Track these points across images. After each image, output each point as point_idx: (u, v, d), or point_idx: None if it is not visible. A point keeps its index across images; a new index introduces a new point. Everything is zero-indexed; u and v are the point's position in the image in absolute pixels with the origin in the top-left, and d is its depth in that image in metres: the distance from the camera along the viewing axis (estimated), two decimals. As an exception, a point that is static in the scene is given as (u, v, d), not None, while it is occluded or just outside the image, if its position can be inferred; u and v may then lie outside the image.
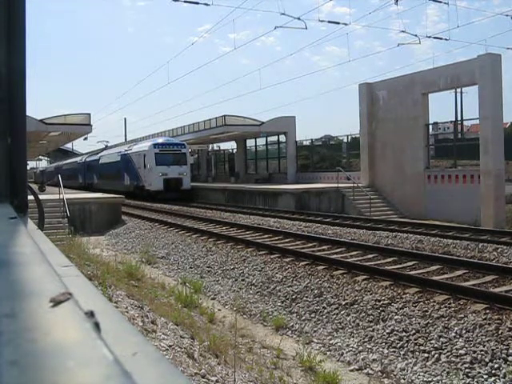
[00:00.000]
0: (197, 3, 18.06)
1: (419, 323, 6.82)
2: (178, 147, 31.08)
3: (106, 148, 46.44)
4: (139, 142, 38.02)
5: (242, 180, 35.26)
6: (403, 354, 6.36)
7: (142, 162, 30.92)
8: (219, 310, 8.54)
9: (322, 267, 9.69)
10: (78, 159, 50.91)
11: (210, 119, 33.24)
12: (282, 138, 32.77)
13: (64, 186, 19.76)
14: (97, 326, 0.63)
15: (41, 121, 25.09)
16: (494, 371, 5.56)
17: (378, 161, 23.92)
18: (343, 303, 8.05)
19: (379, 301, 7.73)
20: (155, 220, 18.95)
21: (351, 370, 6.25)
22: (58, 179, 20.61)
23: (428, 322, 6.79)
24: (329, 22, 20.76)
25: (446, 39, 21.09)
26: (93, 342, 0.57)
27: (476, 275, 8.63)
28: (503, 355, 5.74)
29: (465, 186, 19.60)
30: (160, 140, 32.72)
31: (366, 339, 6.92)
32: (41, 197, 8.71)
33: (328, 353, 6.80)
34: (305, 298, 8.66)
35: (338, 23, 20.27)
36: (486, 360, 5.75)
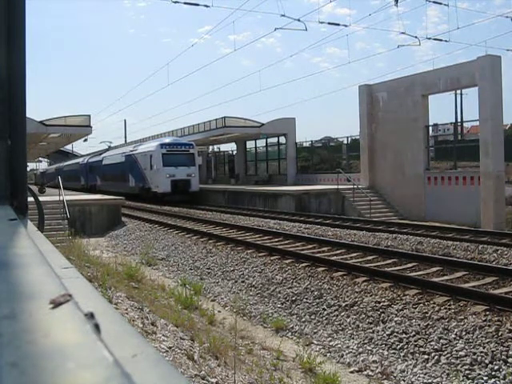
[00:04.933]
0: (197, 5, 18.10)
1: (419, 325, 6.82)
2: (185, 147, 29.92)
3: (109, 149, 45.58)
4: (144, 143, 37.02)
5: (241, 181, 35.27)
6: (403, 356, 6.35)
7: (149, 162, 29.73)
8: (219, 311, 8.54)
9: (322, 269, 9.69)
10: (79, 160, 49.84)
11: (210, 121, 33.24)
12: (282, 139, 32.79)
13: (66, 188, 19.75)
14: (97, 327, 0.63)
15: (41, 122, 25.11)
16: (493, 373, 5.56)
17: (378, 162, 23.93)
18: (343, 305, 8.05)
19: (379, 302, 7.73)
20: (155, 221, 18.95)
21: (351, 372, 6.25)
22: (58, 181, 20.60)
23: (428, 324, 6.79)
24: (329, 23, 20.81)
25: (446, 41, 21.20)
26: (93, 344, 0.57)
27: (476, 277, 8.63)
28: (503, 357, 5.73)
29: (465, 188, 19.59)
30: (167, 140, 31.55)
31: (366, 341, 6.92)
32: (41, 198, 8.71)
33: (328, 354, 6.80)
34: (305, 300, 8.66)
35: (338, 25, 20.31)
36: (486, 362, 5.74)
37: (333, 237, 14.04)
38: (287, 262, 10.56)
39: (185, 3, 17.70)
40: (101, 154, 43.15)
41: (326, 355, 6.77)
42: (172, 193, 28.09)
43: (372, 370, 6.17)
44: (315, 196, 23.17)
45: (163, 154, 28.76)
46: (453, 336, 6.35)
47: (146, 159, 30.14)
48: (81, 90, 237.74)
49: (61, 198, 17.84)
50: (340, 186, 23.22)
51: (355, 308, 7.84)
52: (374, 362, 6.34)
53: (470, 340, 6.18)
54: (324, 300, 8.41)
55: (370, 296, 8.02)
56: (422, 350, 6.34)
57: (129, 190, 31.57)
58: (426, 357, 6.18)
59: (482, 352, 5.90)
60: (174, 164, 28.45)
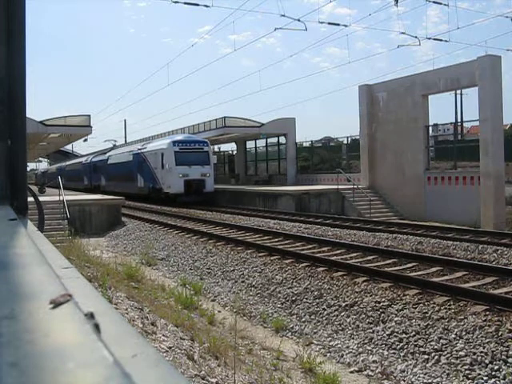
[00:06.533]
0: (197, 5, 18.10)
1: (419, 325, 6.82)
2: (199, 145, 27.83)
3: (114, 147, 44.28)
4: (154, 140, 35.46)
5: (241, 181, 35.28)
6: (403, 356, 6.35)
7: (160, 161, 27.74)
8: (219, 311, 8.54)
9: (322, 269, 9.68)
10: (82, 159, 47.82)
11: (210, 121, 33.23)
12: (282, 139, 32.80)
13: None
14: (97, 327, 0.63)
15: (41, 122, 25.13)
16: (493, 373, 5.56)
17: (378, 162, 23.93)
18: (343, 305, 8.05)
19: (379, 302, 7.73)
20: (155, 221, 18.94)
21: (351, 372, 6.25)
22: (58, 181, 20.59)
23: (428, 324, 6.79)
24: (329, 23, 20.84)
25: (446, 41, 21.16)
26: (93, 344, 0.57)
27: (476, 277, 8.62)
28: (503, 357, 5.73)
29: (465, 188, 19.60)
30: (180, 137, 29.45)
31: (366, 341, 6.91)
32: (41, 198, 8.71)
33: (328, 354, 6.80)
34: (305, 300, 8.66)
35: (338, 25, 20.30)
36: (486, 362, 5.74)
37: (333, 237, 14.03)
38: (287, 261, 10.56)
39: (185, 3, 17.71)
40: (105, 153, 41.36)
41: (326, 355, 6.76)
42: (185, 194, 26.31)
43: (372, 370, 6.17)
44: (315, 196, 23.17)
45: (176, 152, 26.88)
46: (453, 336, 6.35)
47: (157, 158, 28.24)
48: (81, 90, 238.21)
49: (61, 198, 17.85)
50: (340, 186, 23.23)
51: (355, 308, 7.84)
52: (374, 362, 6.34)
53: (470, 340, 6.18)
54: (324, 300, 8.41)
55: (370, 296, 8.02)
56: (421, 350, 6.34)
57: (137, 191, 30.47)
58: (426, 357, 6.18)
59: (482, 352, 5.89)
60: (188, 163, 26.58)
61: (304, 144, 33.63)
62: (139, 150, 32.29)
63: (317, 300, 8.50)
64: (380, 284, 8.37)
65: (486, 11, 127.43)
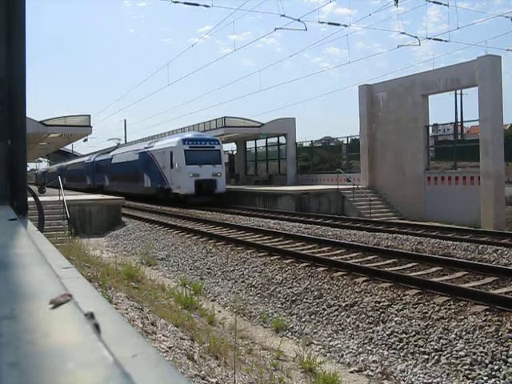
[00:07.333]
0: (197, 5, 18.10)
1: (419, 325, 6.82)
2: (210, 143, 26.65)
3: (119, 146, 43.53)
4: (161, 139, 34.45)
5: (241, 181, 35.27)
6: (403, 356, 6.35)
7: (169, 160, 26.53)
8: (219, 311, 8.53)
9: (322, 269, 9.68)
10: (85, 159, 46.48)
11: (209, 121, 33.21)
12: (282, 139, 32.80)
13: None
14: (97, 327, 0.63)
15: (41, 122, 25.13)
16: (493, 373, 5.56)
17: (378, 162, 23.93)
18: (343, 305, 8.05)
19: (379, 302, 7.73)
20: (155, 221, 18.94)
21: (351, 372, 6.25)
22: (58, 181, 20.57)
23: (428, 324, 6.79)
24: (329, 23, 20.83)
25: (446, 41, 21.17)
26: (93, 344, 0.57)
27: (476, 277, 8.62)
28: (503, 357, 5.73)
29: (465, 188, 19.60)
30: (189, 135, 28.10)
31: (366, 341, 6.91)
32: (40, 198, 8.72)
33: (328, 354, 6.80)
34: (305, 300, 8.66)
35: (338, 25, 20.29)
36: (486, 362, 5.74)
37: (333, 237, 14.03)
38: (287, 261, 10.55)
39: (185, 3, 17.70)
40: (109, 152, 40.28)
41: (326, 355, 6.76)
42: (196, 194, 25.16)
43: (372, 370, 6.17)
44: (315, 196, 23.17)
45: (186, 151, 25.70)
46: (453, 336, 6.35)
47: (166, 157, 27.00)
48: (81, 90, 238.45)
49: (61, 198, 17.85)
50: (340, 186, 23.22)
51: (355, 308, 7.84)
52: (374, 361, 6.34)
53: (470, 340, 6.18)
54: (324, 300, 8.41)
55: (370, 296, 8.02)
56: (422, 350, 6.34)
57: (144, 191, 29.71)
58: (426, 357, 6.18)
59: (482, 352, 5.89)
60: (199, 162, 25.45)
61: (304, 144, 33.64)
62: (146, 148, 31.20)
63: (317, 300, 8.50)
64: (380, 284, 8.37)
65: (486, 11, 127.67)
